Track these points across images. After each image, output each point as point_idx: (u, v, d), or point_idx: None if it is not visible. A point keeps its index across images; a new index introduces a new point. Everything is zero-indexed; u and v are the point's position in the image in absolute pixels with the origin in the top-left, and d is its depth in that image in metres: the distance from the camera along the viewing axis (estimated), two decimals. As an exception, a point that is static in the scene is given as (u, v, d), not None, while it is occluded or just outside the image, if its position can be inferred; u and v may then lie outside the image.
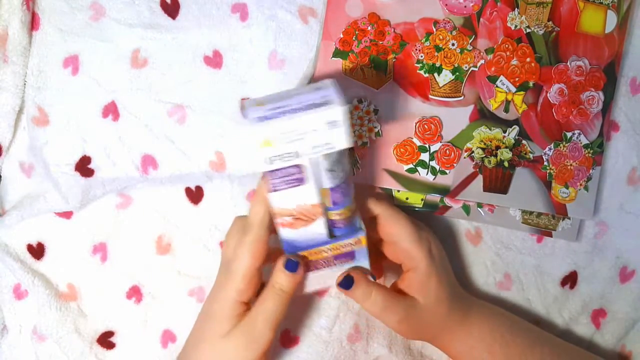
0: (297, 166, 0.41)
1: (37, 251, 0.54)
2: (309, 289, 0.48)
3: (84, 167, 0.53)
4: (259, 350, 0.44)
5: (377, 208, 0.48)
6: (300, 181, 0.41)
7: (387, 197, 0.53)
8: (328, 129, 0.39)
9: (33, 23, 0.52)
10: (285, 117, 0.38)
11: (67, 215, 0.54)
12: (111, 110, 0.52)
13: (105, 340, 0.54)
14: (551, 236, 0.54)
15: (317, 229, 0.44)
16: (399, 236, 0.47)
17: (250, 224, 0.44)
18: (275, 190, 0.42)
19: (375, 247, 0.51)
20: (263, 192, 0.44)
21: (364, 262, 0.47)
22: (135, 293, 0.54)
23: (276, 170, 0.41)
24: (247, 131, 0.39)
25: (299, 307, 0.55)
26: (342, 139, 0.40)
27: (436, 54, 0.51)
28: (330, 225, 0.45)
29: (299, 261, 0.44)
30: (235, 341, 0.44)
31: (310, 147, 0.39)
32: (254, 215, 0.44)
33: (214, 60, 0.52)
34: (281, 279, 0.44)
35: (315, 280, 0.47)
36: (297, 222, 0.44)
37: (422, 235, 0.48)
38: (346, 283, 0.46)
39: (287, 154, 0.39)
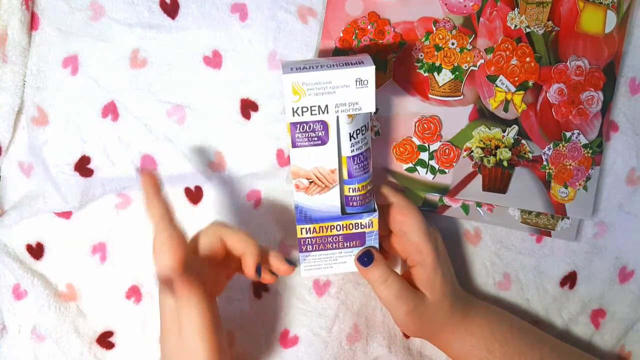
0: (322, 123, 0.43)
1: (36, 251, 0.54)
2: (310, 273, 0.48)
3: (83, 167, 0.53)
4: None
5: (392, 196, 0.48)
6: (322, 140, 0.43)
7: (402, 188, 0.53)
8: (356, 87, 0.42)
9: (32, 23, 0.52)
10: (318, 70, 0.42)
11: (66, 215, 0.54)
12: (110, 110, 0.52)
13: (105, 340, 0.54)
14: (550, 236, 0.54)
15: (331, 199, 0.45)
16: (410, 227, 0.47)
17: (154, 227, 0.42)
18: (296, 146, 0.44)
19: (380, 246, 0.51)
20: (154, 189, 0.43)
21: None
22: (134, 293, 0.54)
23: (302, 123, 0.43)
24: (282, 79, 0.42)
25: (299, 307, 0.55)
26: (368, 101, 0.42)
27: (436, 53, 0.51)
28: (345, 203, 0.46)
29: None
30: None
31: (338, 104, 0.42)
32: (152, 217, 0.42)
33: (214, 60, 0.52)
34: None
35: (319, 263, 0.47)
36: (313, 186, 0.45)
37: (431, 230, 0.48)
38: (365, 259, 0.46)
39: (315, 107, 0.42)
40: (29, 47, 0.52)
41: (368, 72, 0.42)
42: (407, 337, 0.56)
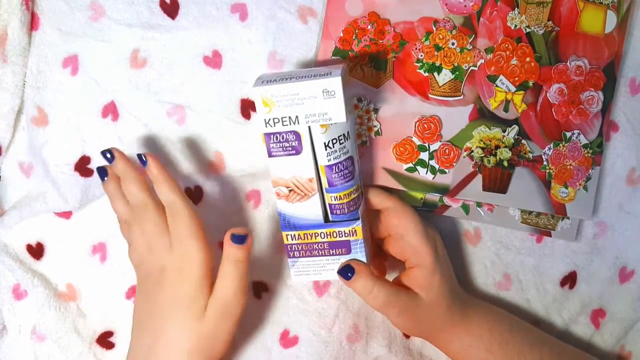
0: (295, 134, 0.43)
1: (36, 251, 0.54)
2: (300, 278, 0.48)
3: (83, 167, 0.53)
4: (236, 316, 0.46)
5: (386, 201, 0.48)
6: (296, 150, 0.44)
7: (397, 190, 0.53)
8: (324, 98, 0.42)
9: (32, 23, 0.52)
10: (286, 82, 0.42)
11: (66, 215, 0.54)
12: (110, 111, 0.52)
13: (105, 340, 0.54)
14: (550, 236, 0.54)
15: (313, 207, 0.46)
16: (407, 229, 0.47)
17: (175, 203, 0.46)
18: (272, 156, 0.44)
19: (378, 246, 0.51)
20: (167, 175, 0.47)
21: (361, 257, 0.47)
22: (134, 293, 0.54)
23: (275, 134, 0.43)
24: (251, 91, 0.42)
25: (299, 307, 0.55)
26: (337, 111, 0.42)
27: (436, 53, 0.51)
28: (330, 211, 0.46)
29: (245, 234, 0.45)
30: (212, 318, 0.45)
31: (308, 115, 0.43)
32: (174, 194, 0.46)
33: (214, 60, 0.52)
34: (233, 252, 0.45)
35: (307, 268, 0.48)
36: (293, 194, 0.45)
37: (429, 232, 0.48)
38: (345, 272, 0.46)
39: (286, 118, 0.43)
40: (29, 47, 0.52)
41: (334, 82, 0.42)
42: (407, 337, 0.56)
